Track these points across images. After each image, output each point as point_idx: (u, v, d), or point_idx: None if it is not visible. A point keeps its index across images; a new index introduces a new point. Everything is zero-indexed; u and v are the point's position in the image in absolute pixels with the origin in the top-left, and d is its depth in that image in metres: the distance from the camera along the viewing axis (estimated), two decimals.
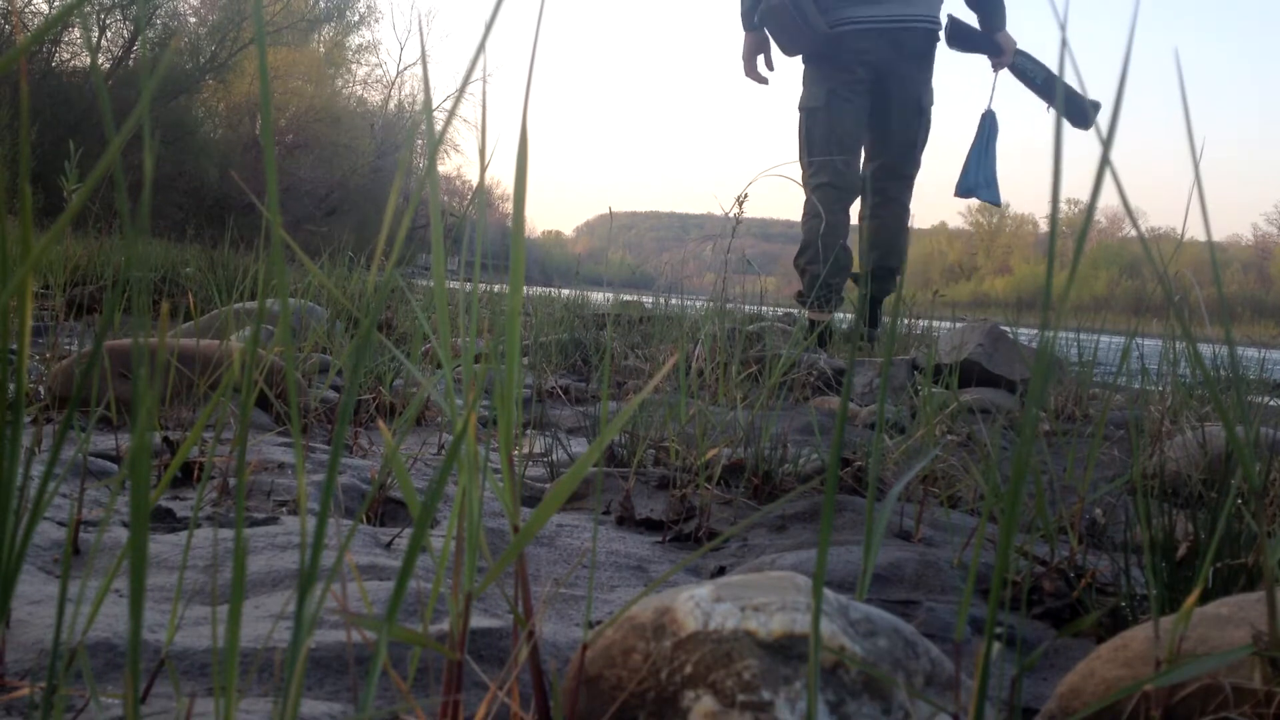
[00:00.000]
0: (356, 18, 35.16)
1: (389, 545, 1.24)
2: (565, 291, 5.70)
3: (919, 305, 4.76)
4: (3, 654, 0.75)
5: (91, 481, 1.44)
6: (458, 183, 38.21)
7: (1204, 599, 0.82)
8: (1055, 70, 4.53)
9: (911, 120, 4.53)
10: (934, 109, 4.61)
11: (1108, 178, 0.46)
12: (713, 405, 2.06)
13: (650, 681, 0.65)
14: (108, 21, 24.17)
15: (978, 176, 4.66)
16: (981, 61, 4.67)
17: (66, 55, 23.60)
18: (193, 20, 28.53)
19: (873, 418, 2.60)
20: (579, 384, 3.17)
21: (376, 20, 53.38)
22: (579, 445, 2.15)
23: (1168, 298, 0.79)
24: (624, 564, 1.31)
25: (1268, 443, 1.78)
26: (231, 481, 1.45)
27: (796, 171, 4.67)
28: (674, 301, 4.19)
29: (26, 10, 19.75)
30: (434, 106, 0.64)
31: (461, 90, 0.52)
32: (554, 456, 1.88)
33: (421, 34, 0.76)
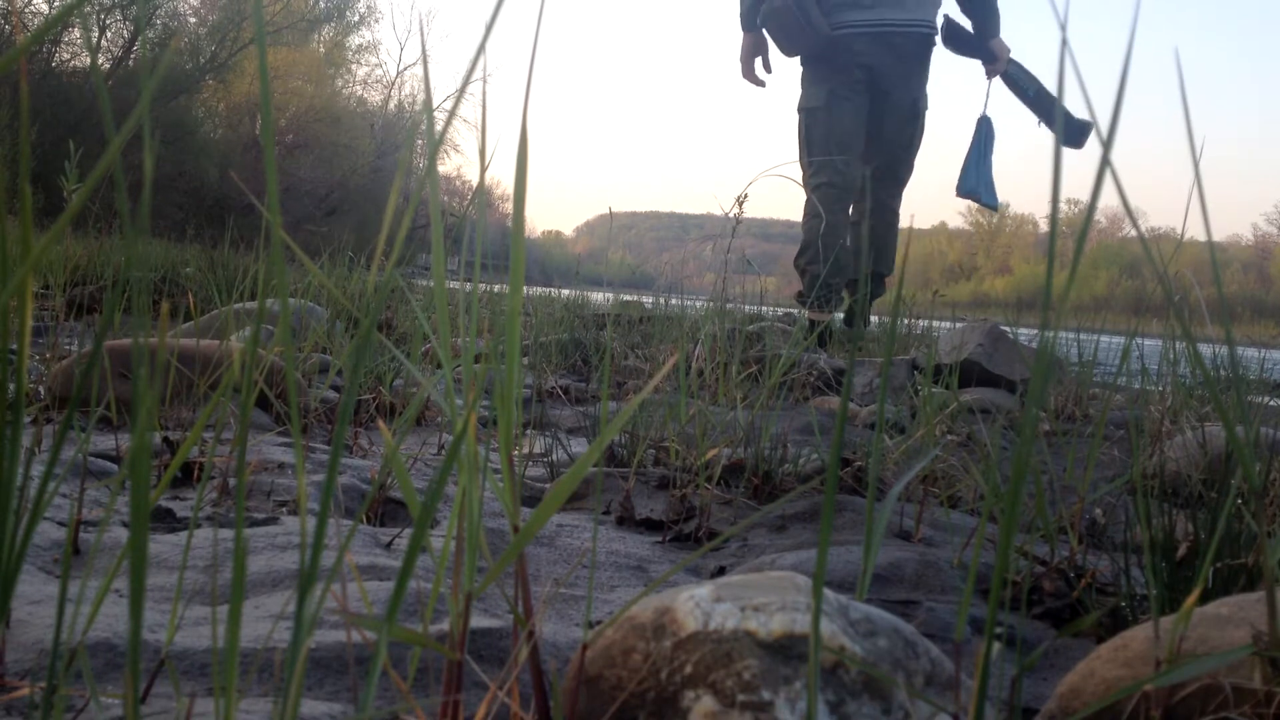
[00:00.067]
0: (356, 18, 35.20)
1: (389, 545, 1.24)
2: (565, 291, 5.70)
3: (919, 305, 4.77)
4: (3, 654, 0.75)
5: (91, 481, 1.44)
6: (458, 183, 38.23)
7: (1204, 599, 0.82)
8: (1049, 80, 4.55)
9: (906, 124, 4.55)
10: (929, 113, 4.62)
11: (1108, 178, 0.46)
12: (713, 405, 2.06)
13: (650, 681, 0.65)
14: (108, 21, 24.18)
15: (976, 179, 4.67)
16: (980, 64, 4.67)
17: (66, 55, 23.62)
18: (193, 20, 28.55)
19: (873, 418, 2.60)
20: (579, 384, 3.17)
21: (376, 20, 53.44)
22: (579, 445, 2.15)
23: (1168, 298, 0.79)
24: (624, 564, 1.31)
25: (1268, 443, 1.78)
26: (231, 481, 1.45)
27: (796, 171, 4.68)
28: (674, 301, 4.19)
29: (26, 10, 19.76)
30: (434, 106, 0.64)
31: (461, 90, 0.52)
32: (554, 456, 1.88)
33: (421, 34, 0.76)
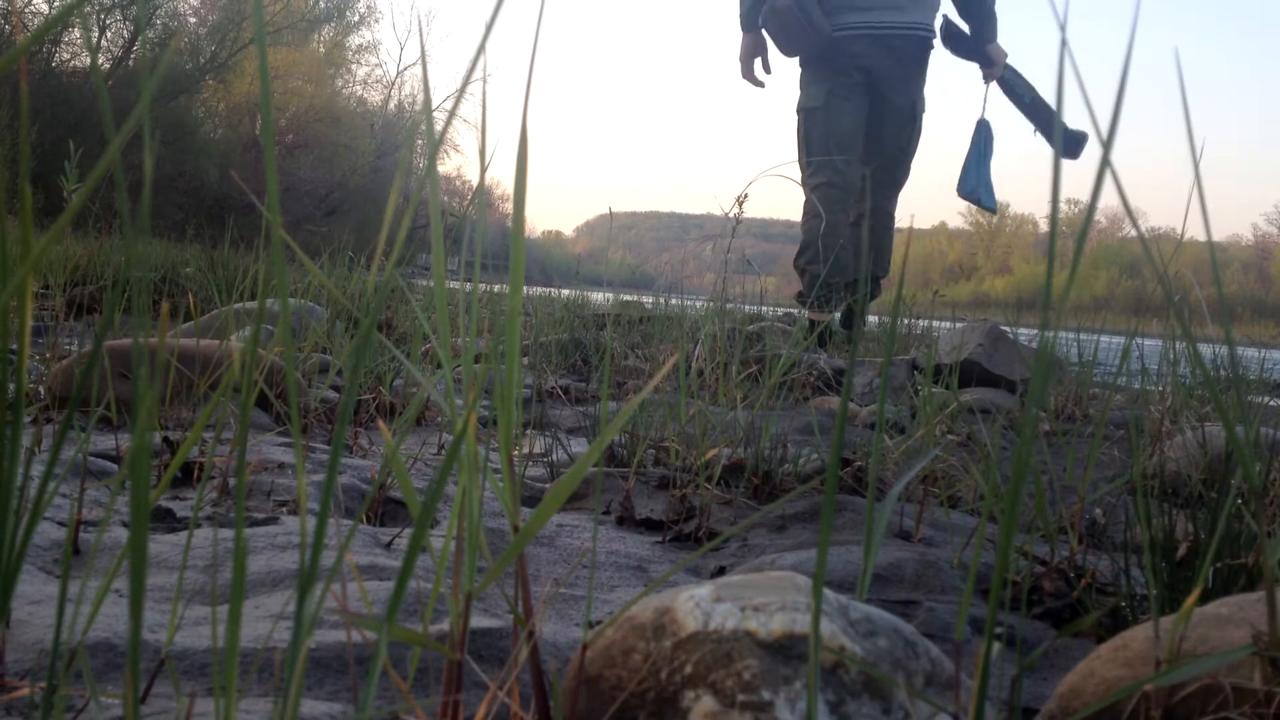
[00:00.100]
0: (356, 18, 35.21)
1: (389, 545, 1.24)
2: (565, 291, 5.70)
3: (919, 305, 4.77)
4: (3, 654, 0.75)
5: (91, 481, 1.44)
6: (458, 183, 38.24)
7: (1204, 599, 0.82)
8: (1047, 84, 4.55)
9: (904, 126, 4.55)
10: (927, 115, 4.63)
11: (1108, 178, 0.46)
12: (713, 405, 2.06)
13: (650, 681, 0.65)
14: (108, 21, 24.18)
15: (976, 181, 4.67)
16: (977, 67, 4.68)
17: (66, 55, 23.62)
18: (193, 20, 28.56)
19: (873, 418, 2.60)
20: (579, 384, 3.17)
21: (376, 20, 53.44)
22: (579, 445, 2.15)
23: (1168, 298, 0.79)
24: (624, 564, 1.31)
25: (1268, 443, 1.78)
26: (231, 481, 1.45)
27: (796, 172, 4.68)
28: (674, 301, 4.19)
29: (26, 10, 19.76)
30: (434, 106, 0.64)
31: (461, 90, 0.52)
32: (554, 456, 1.88)
33: (421, 34, 0.76)
